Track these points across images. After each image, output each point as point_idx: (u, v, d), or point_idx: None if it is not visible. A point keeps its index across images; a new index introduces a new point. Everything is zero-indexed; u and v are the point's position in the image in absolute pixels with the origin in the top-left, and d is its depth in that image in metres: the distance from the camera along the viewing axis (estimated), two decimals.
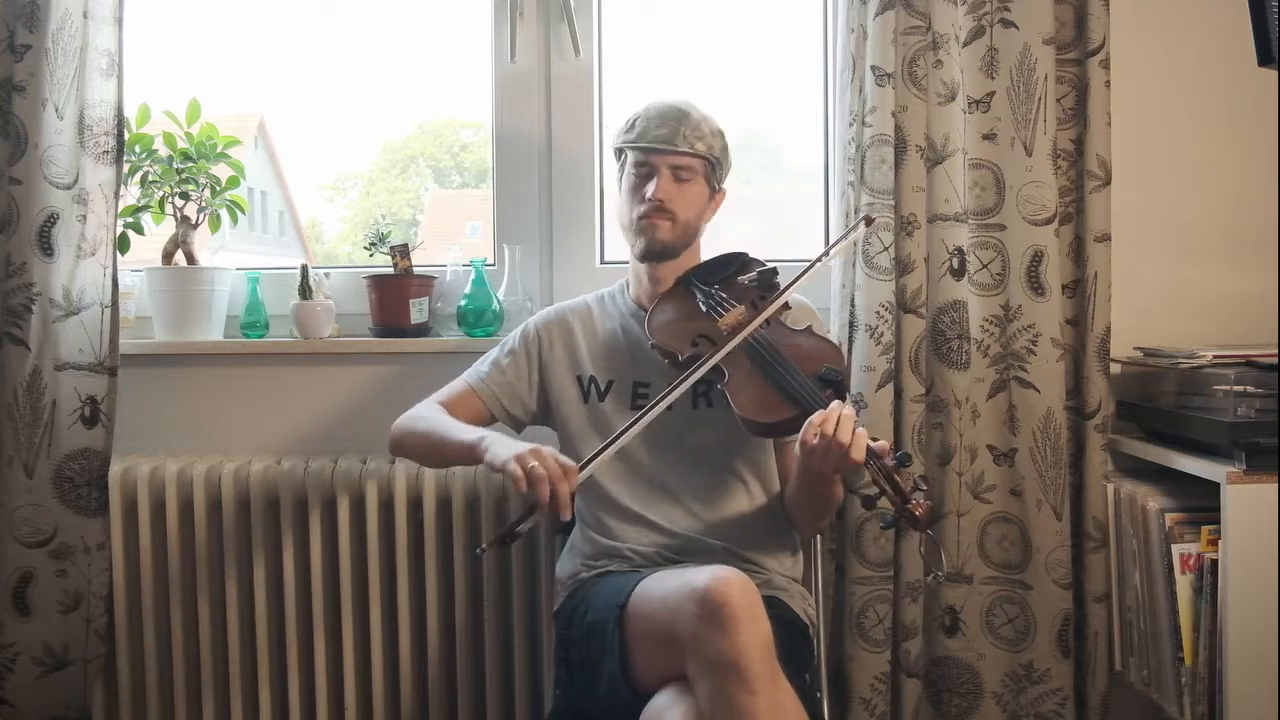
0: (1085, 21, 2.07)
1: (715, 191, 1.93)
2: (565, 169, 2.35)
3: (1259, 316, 2.17)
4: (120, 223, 2.23)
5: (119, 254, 2.21)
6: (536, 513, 1.63)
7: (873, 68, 2.07)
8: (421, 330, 2.30)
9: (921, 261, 2.11)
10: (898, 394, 2.10)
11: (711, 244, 1.98)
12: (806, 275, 1.83)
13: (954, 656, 2.13)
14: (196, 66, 2.52)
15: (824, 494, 1.81)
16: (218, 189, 2.33)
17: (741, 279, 1.88)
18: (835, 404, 1.65)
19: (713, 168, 1.89)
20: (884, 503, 1.61)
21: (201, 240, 2.36)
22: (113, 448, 2.17)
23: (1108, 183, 2.08)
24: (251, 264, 2.46)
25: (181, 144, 2.30)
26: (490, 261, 2.33)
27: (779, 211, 2.75)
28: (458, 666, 2.17)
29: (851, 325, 2.12)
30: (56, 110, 2.11)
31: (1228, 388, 1.82)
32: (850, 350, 2.11)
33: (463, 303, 2.28)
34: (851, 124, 2.11)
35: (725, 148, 1.91)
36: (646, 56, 2.46)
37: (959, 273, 2.12)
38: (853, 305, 2.12)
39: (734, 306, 1.83)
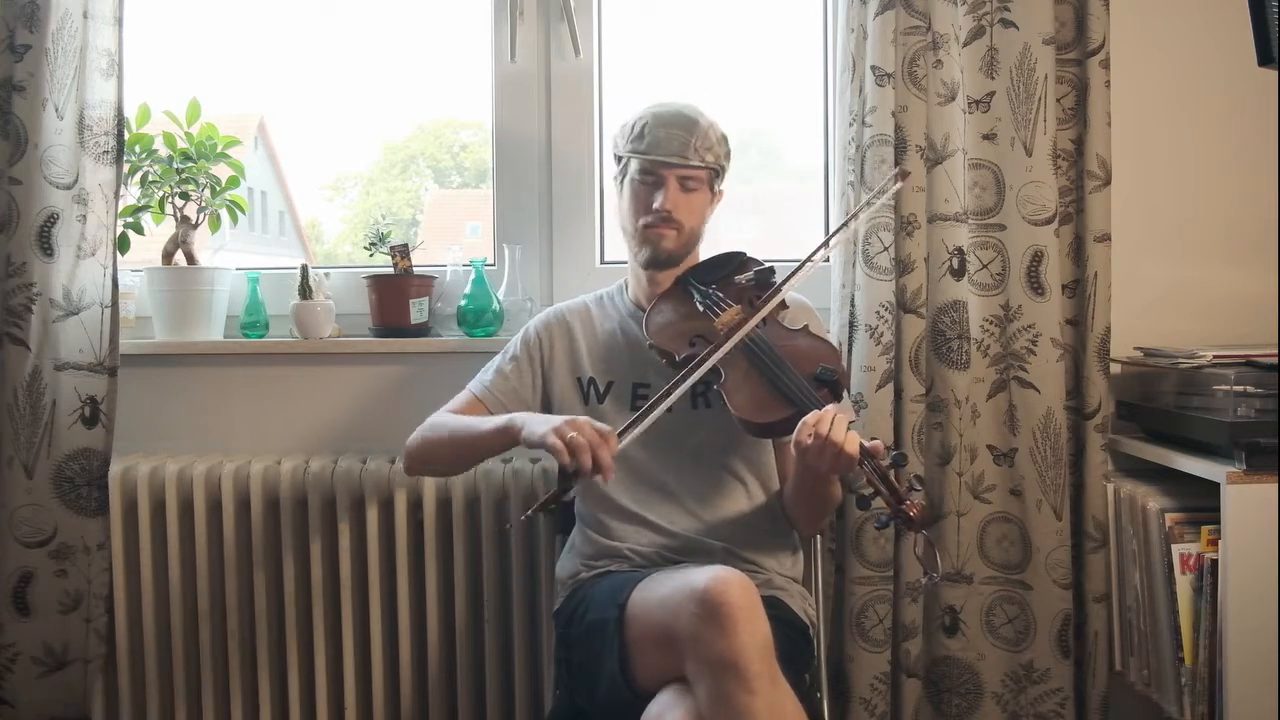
0: (1085, 21, 2.07)
1: (718, 192, 1.93)
2: (565, 169, 2.35)
3: (1259, 316, 2.17)
4: (120, 223, 2.23)
5: (119, 254, 2.21)
6: (578, 479, 1.64)
7: (873, 68, 2.07)
8: (421, 330, 2.30)
9: (921, 261, 2.11)
10: (898, 394, 2.10)
11: (711, 244, 1.98)
12: (802, 272, 1.83)
13: (954, 656, 2.13)
14: (196, 66, 2.52)
15: (822, 493, 1.81)
16: (218, 189, 2.33)
17: (738, 278, 1.88)
18: (830, 405, 1.65)
19: (717, 174, 1.90)
20: (879, 503, 1.61)
21: (201, 240, 2.36)
22: (113, 448, 2.17)
23: (1108, 183, 2.08)
24: (251, 264, 2.46)
25: (181, 144, 2.30)
26: (490, 261, 2.33)
27: (779, 211, 2.75)
28: (458, 666, 2.17)
29: (851, 325, 2.12)
30: (56, 110, 2.11)
31: (1228, 388, 1.82)
32: (850, 350, 2.11)
33: (463, 303, 2.28)
34: (851, 124, 2.11)
35: (729, 153, 1.91)
36: (646, 56, 2.46)
37: (959, 273, 2.12)
38: (853, 305, 2.12)
39: (730, 306, 1.83)
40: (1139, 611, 1.99)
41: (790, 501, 1.88)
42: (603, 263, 2.38)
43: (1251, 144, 2.18)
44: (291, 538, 2.17)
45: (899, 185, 2.02)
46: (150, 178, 2.31)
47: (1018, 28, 2.06)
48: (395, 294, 2.29)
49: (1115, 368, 2.15)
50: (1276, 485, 1.74)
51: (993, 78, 2.07)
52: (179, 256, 2.32)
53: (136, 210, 2.33)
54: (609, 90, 2.38)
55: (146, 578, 2.19)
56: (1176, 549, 1.86)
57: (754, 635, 1.47)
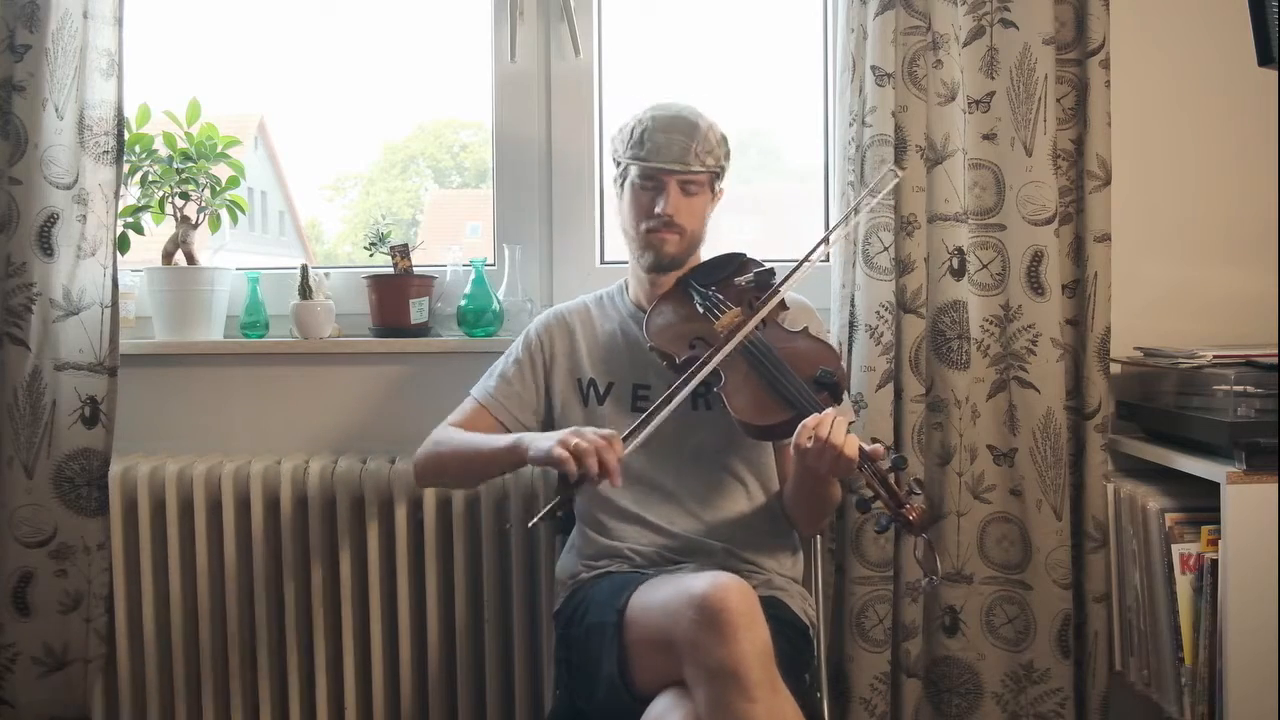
0: (1085, 21, 2.07)
1: (717, 193, 1.93)
2: (565, 169, 2.35)
3: (1259, 316, 2.17)
4: (120, 223, 2.23)
5: (119, 254, 2.21)
6: (584, 484, 1.64)
7: (873, 68, 2.07)
8: (421, 330, 2.30)
9: (921, 261, 2.11)
10: (898, 394, 2.10)
11: (711, 243, 1.98)
12: (802, 272, 1.83)
13: (954, 656, 2.13)
14: (196, 66, 2.52)
15: (821, 495, 1.81)
16: (218, 189, 2.33)
17: (738, 280, 1.88)
18: (830, 408, 1.65)
19: (718, 175, 1.89)
20: (879, 506, 1.61)
21: (201, 240, 2.36)
22: (113, 448, 2.17)
23: (1108, 183, 2.08)
24: (251, 264, 2.46)
25: (181, 144, 2.30)
26: (490, 261, 2.33)
27: (779, 211, 2.75)
28: (458, 666, 2.17)
29: (851, 325, 2.12)
30: (56, 110, 2.11)
31: (1228, 388, 1.82)
32: (850, 350, 2.11)
33: (463, 303, 2.28)
34: (851, 124, 2.11)
35: (729, 152, 1.91)
36: (646, 56, 2.46)
37: (959, 273, 2.12)
38: (853, 305, 2.12)
39: (730, 308, 1.82)
40: (1139, 611, 1.99)
41: (790, 502, 1.88)
42: (603, 263, 2.38)
43: (1251, 144, 2.18)
44: (291, 538, 2.17)
45: (895, 182, 2.02)
46: (150, 178, 2.31)
47: (1018, 28, 2.05)
48: (395, 294, 2.28)
49: (1115, 368, 2.15)
50: (1276, 485, 1.74)
51: (993, 78, 2.07)
52: (179, 256, 2.32)
53: (136, 210, 2.33)
54: (609, 90, 2.38)
55: (146, 578, 2.19)
56: (1176, 549, 1.86)
57: (754, 643, 1.46)
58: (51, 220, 2.12)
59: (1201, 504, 1.85)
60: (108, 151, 2.15)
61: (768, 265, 1.89)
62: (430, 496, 2.14)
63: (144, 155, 2.30)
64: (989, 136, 2.08)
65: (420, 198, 2.88)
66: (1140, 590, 1.98)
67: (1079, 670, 2.11)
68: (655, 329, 1.84)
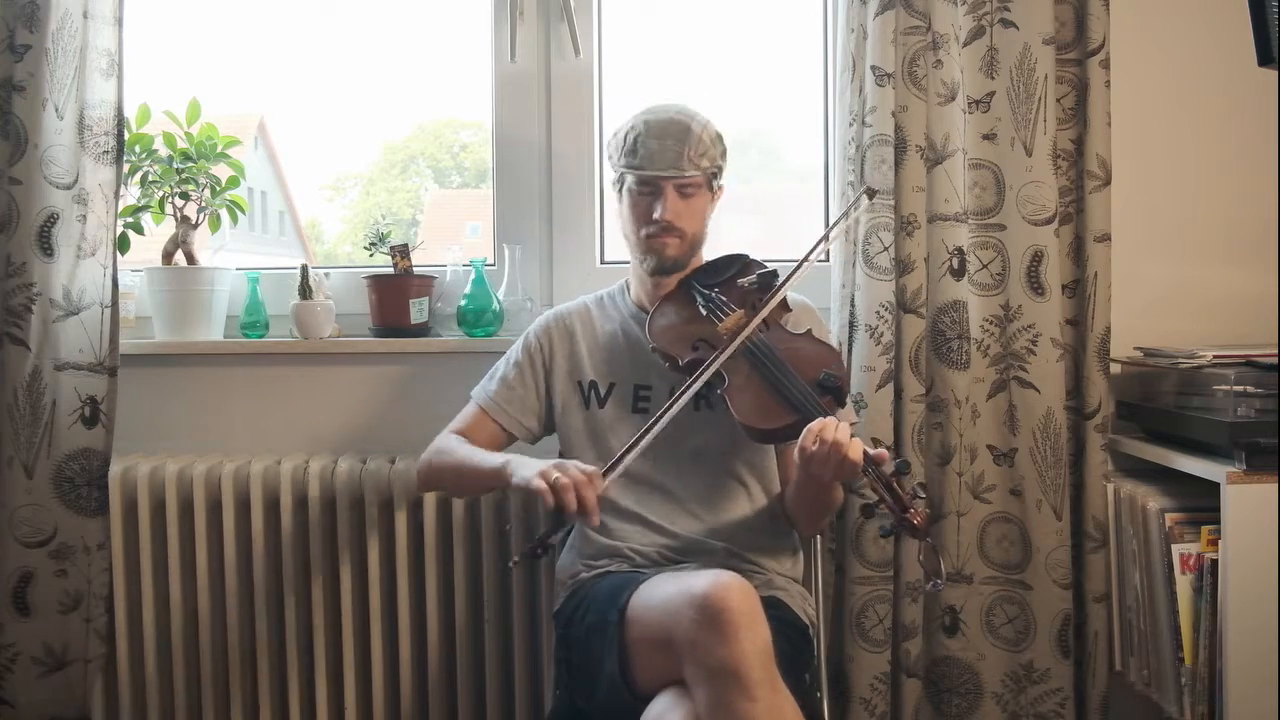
0: (1085, 21, 2.07)
1: (717, 190, 1.92)
2: (565, 169, 2.35)
3: (1259, 316, 2.17)
4: (120, 223, 2.23)
5: (119, 254, 2.21)
6: (566, 522, 1.65)
7: (873, 68, 2.07)
8: (421, 330, 2.30)
9: (921, 261, 2.11)
10: (898, 394, 2.10)
11: (711, 243, 1.98)
12: (803, 270, 1.83)
13: (954, 656, 2.13)
14: (196, 66, 2.52)
15: (824, 497, 1.81)
16: (218, 189, 2.33)
17: (741, 281, 1.87)
18: (837, 412, 1.65)
19: (715, 175, 1.88)
20: (883, 510, 1.61)
21: (201, 240, 2.36)
22: (113, 448, 2.17)
23: (1108, 183, 2.08)
24: (251, 264, 2.46)
25: (181, 144, 2.30)
26: (490, 261, 2.33)
27: (779, 211, 2.75)
28: (458, 666, 2.17)
29: (851, 325, 2.12)
30: (56, 110, 2.11)
31: (1228, 388, 1.82)
32: (850, 350, 2.11)
33: (463, 303, 2.28)
34: (851, 124, 2.11)
35: (724, 151, 1.89)
36: (646, 56, 2.46)
37: (959, 273, 2.12)
38: (853, 305, 2.12)
39: (733, 310, 1.82)
40: (1139, 611, 1.99)
41: (791, 504, 1.88)
42: (603, 263, 2.38)
43: (1251, 144, 2.18)
44: (291, 538, 2.17)
45: (865, 205, 2.02)
46: (150, 178, 2.31)
47: (1018, 28, 2.05)
48: (395, 294, 2.28)
49: (1115, 368, 2.15)
50: (1276, 485, 1.74)
51: (993, 78, 2.07)
52: (179, 256, 2.32)
53: (136, 210, 2.33)
54: (609, 90, 2.38)
55: (146, 578, 2.19)
56: (1176, 549, 1.86)
57: (754, 642, 1.47)
58: (51, 220, 2.12)
59: (1201, 504, 1.85)
60: (108, 151, 2.15)
61: (770, 267, 1.89)
62: (430, 496, 2.14)
63: (144, 155, 2.30)
64: (989, 136, 2.08)
65: (420, 198, 2.88)
66: (1140, 590, 1.98)
67: (1079, 670, 2.11)
68: (658, 330, 1.84)
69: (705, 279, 1.90)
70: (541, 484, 1.64)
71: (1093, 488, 2.08)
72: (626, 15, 2.40)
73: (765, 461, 1.90)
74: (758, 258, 1.93)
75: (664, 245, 1.86)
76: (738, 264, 1.92)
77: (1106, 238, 2.08)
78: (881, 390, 2.08)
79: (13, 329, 2.13)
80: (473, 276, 2.28)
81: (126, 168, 2.24)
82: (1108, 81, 2.07)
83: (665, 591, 1.59)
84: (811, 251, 1.84)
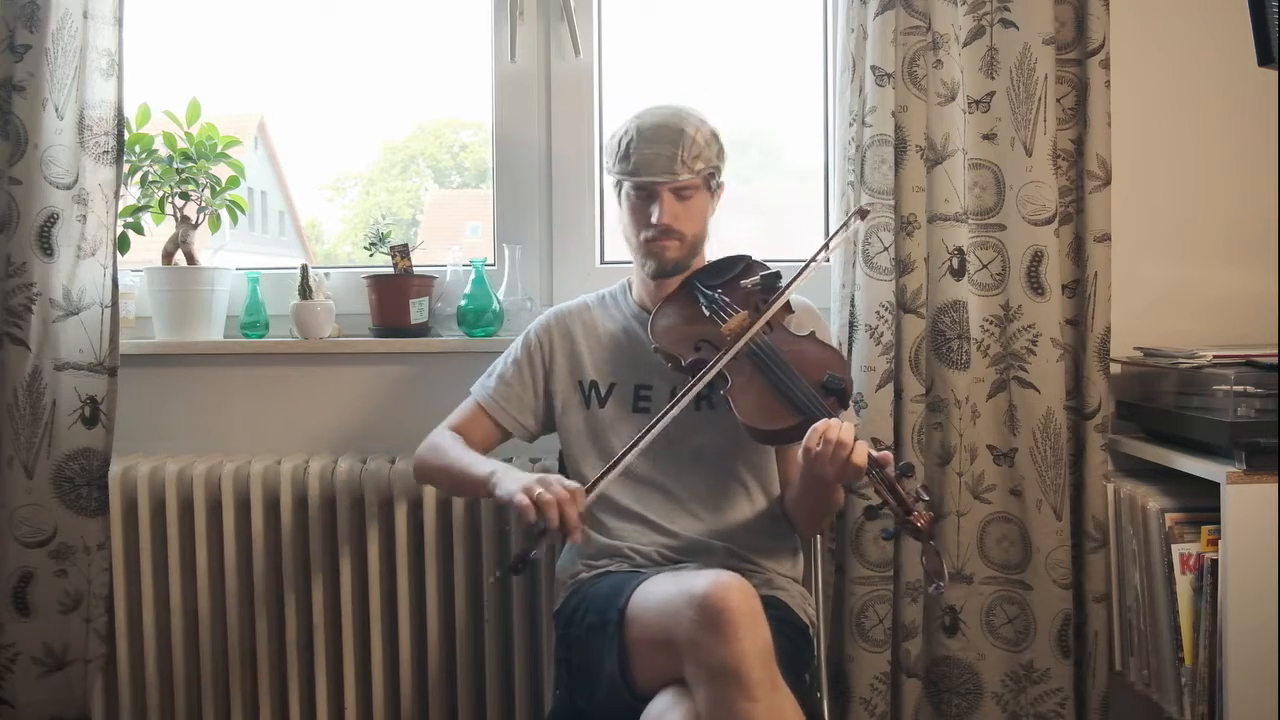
0: (1085, 21, 2.07)
1: (718, 189, 1.91)
2: (565, 169, 2.35)
3: (1259, 316, 2.17)
4: (120, 223, 2.23)
5: (119, 254, 2.21)
6: (547, 537, 1.64)
7: (873, 68, 2.07)
8: (421, 330, 2.30)
9: (921, 261, 2.11)
10: (898, 394, 2.10)
11: (711, 243, 1.97)
12: (806, 275, 1.83)
13: (954, 656, 2.13)
14: (196, 66, 2.52)
15: (825, 499, 1.81)
16: (218, 189, 2.33)
17: (744, 283, 1.87)
18: (840, 414, 1.65)
19: (712, 175, 1.87)
20: (886, 512, 1.61)
21: (201, 240, 2.36)
22: (113, 448, 2.17)
23: (1108, 183, 2.08)
24: (251, 264, 2.46)
25: (181, 144, 2.30)
26: (490, 261, 2.33)
27: (779, 211, 2.75)
28: (458, 666, 2.17)
29: (851, 325, 2.12)
30: (56, 110, 2.11)
31: (1228, 388, 1.82)
32: (850, 350, 2.11)
33: (463, 303, 2.28)
34: (851, 124, 2.11)
35: (721, 150, 1.88)
36: (646, 56, 2.46)
37: (959, 273, 2.12)
38: (853, 305, 2.12)
39: (737, 311, 1.82)
40: (1139, 611, 1.99)
41: (792, 505, 1.88)
42: (603, 263, 2.38)
43: (1251, 144, 2.18)
44: (291, 538, 2.17)
45: (858, 225, 2.02)
46: (150, 178, 2.31)
47: (1018, 28, 2.06)
48: (395, 294, 2.28)
49: (1115, 368, 2.15)
50: (1276, 485, 1.74)
51: (993, 78, 2.07)
52: (179, 256, 2.32)
53: (136, 210, 2.33)
54: (609, 90, 2.38)
55: (146, 578, 2.19)
56: (1176, 549, 1.86)
57: (754, 642, 1.46)
58: (51, 220, 2.12)
59: (1201, 504, 1.85)
60: (108, 151, 2.15)
61: (773, 268, 1.89)
62: (430, 497, 2.14)
63: (144, 155, 2.30)
64: (989, 136, 2.08)
65: (420, 198, 2.88)
66: (1140, 590, 1.98)
67: (1079, 670, 2.11)
68: (660, 330, 1.84)
69: (708, 280, 1.90)
70: (524, 499, 1.64)
71: (1093, 488, 2.08)
72: (626, 15, 2.40)
73: (765, 463, 1.90)
74: (759, 258, 1.93)
75: (663, 249, 1.86)
76: (740, 265, 1.91)
77: (1106, 238, 2.08)
78: (881, 390, 2.08)
79: (13, 329, 2.13)
80: (473, 276, 2.28)
81: (126, 168, 2.24)
82: (1108, 81, 2.07)
83: (665, 591, 1.59)
84: (813, 259, 1.84)
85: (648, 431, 1.73)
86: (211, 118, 2.34)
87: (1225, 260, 2.22)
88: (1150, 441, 2.08)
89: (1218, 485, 1.77)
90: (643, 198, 1.84)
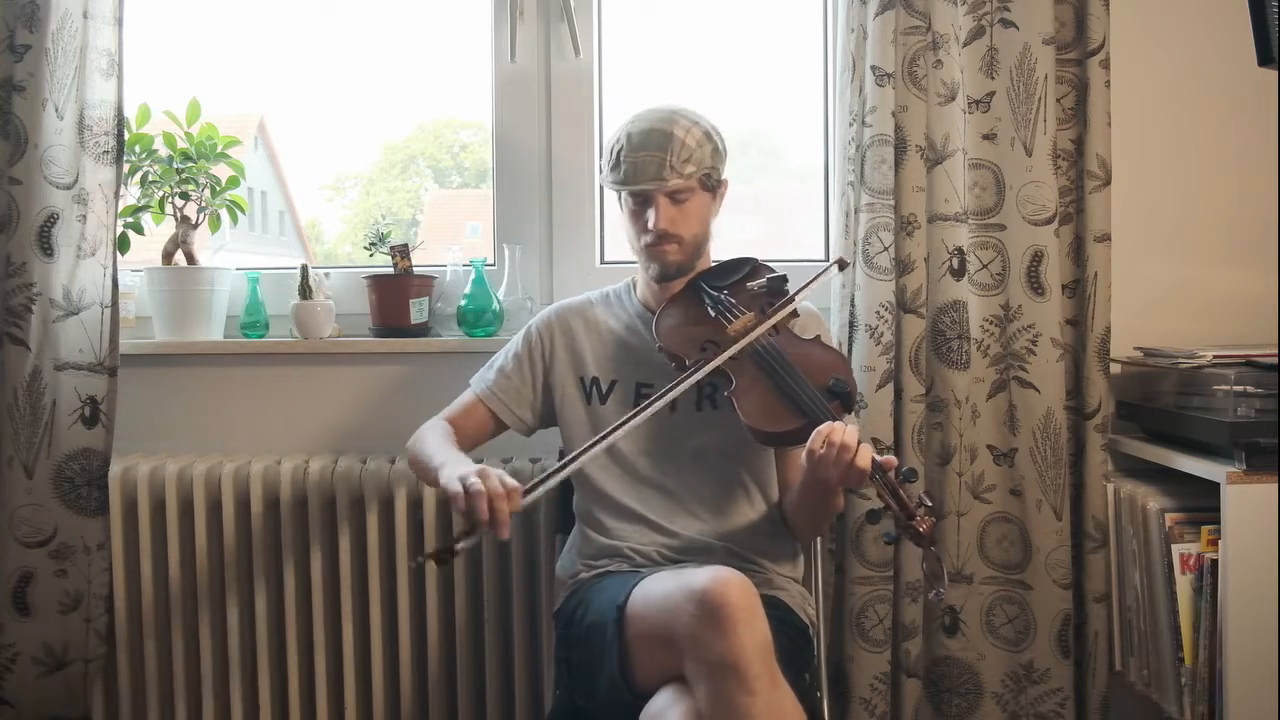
0: (1085, 21, 2.07)
1: (718, 188, 1.90)
2: (565, 169, 2.35)
3: (1259, 316, 2.17)
4: (120, 223, 2.23)
5: (119, 254, 2.21)
6: (475, 532, 1.60)
7: (873, 68, 2.07)
8: (421, 330, 2.30)
9: (921, 261, 2.11)
10: (898, 394, 2.10)
11: (713, 243, 1.97)
12: (811, 286, 1.82)
13: (954, 656, 2.13)
14: (196, 66, 2.52)
15: (827, 502, 1.80)
16: (218, 189, 2.33)
17: (750, 284, 1.87)
18: (844, 418, 1.66)
19: (708, 175, 1.86)
20: (889, 517, 1.61)
21: (201, 240, 2.36)
22: (113, 448, 2.17)
23: (1108, 183, 2.08)
24: (251, 264, 2.46)
25: (181, 144, 2.30)
26: (490, 261, 2.33)
27: (779, 211, 2.75)
28: (458, 666, 2.17)
29: (851, 325, 2.12)
30: (56, 110, 2.11)
31: (1228, 388, 1.82)
32: (850, 350, 2.11)
33: (463, 303, 2.28)
34: (851, 124, 2.11)
35: (716, 149, 1.86)
36: (646, 56, 2.45)
37: (959, 273, 2.12)
38: (853, 305, 2.12)
39: (743, 313, 1.82)
40: (1139, 611, 1.99)
41: (792, 509, 1.87)
42: (603, 263, 2.38)
43: (1251, 144, 2.18)
44: (291, 538, 2.17)
45: (837, 273, 2.00)
46: (150, 178, 2.31)
47: (1018, 28, 2.06)
48: (395, 294, 2.28)
49: (1115, 368, 2.15)
50: (1276, 485, 1.75)
51: (993, 78, 2.07)
52: (179, 256, 2.32)
53: (136, 210, 2.33)
54: (609, 90, 2.38)
55: (146, 578, 2.19)
56: (1176, 549, 1.86)
57: (753, 636, 1.47)
58: (51, 220, 2.12)
59: (1201, 504, 1.85)
60: (108, 151, 2.15)
61: (780, 272, 1.88)
62: (430, 496, 2.14)
63: (144, 155, 2.30)
64: (989, 136, 2.08)
65: (420, 198, 2.88)
66: (1140, 590, 1.98)
67: (1079, 670, 2.11)
68: (665, 330, 1.84)
69: (714, 281, 1.89)
70: (456, 487, 1.60)
71: (1093, 488, 2.08)
72: (626, 15, 2.40)
73: (765, 465, 1.90)
74: (761, 259, 1.93)
75: (664, 253, 1.86)
76: (747, 267, 1.91)
77: (1106, 238, 2.08)
78: (881, 390, 2.08)
79: (13, 329, 2.13)
80: (473, 276, 2.28)
81: (126, 168, 2.24)
82: (1108, 81, 2.07)
83: (665, 588, 1.59)
84: (818, 277, 1.84)
85: (607, 434, 1.70)
86: (211, 118, 2.34)
87: (1225, 260, 2.22)
88: (1150, 441, 2.08)
89: (1218, 485, 1.78)
90: (639, 204, 1.85)
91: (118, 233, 2.19)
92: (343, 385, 2.33)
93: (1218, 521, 1.78)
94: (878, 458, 1.61)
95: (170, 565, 2.19)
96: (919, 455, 2.10)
